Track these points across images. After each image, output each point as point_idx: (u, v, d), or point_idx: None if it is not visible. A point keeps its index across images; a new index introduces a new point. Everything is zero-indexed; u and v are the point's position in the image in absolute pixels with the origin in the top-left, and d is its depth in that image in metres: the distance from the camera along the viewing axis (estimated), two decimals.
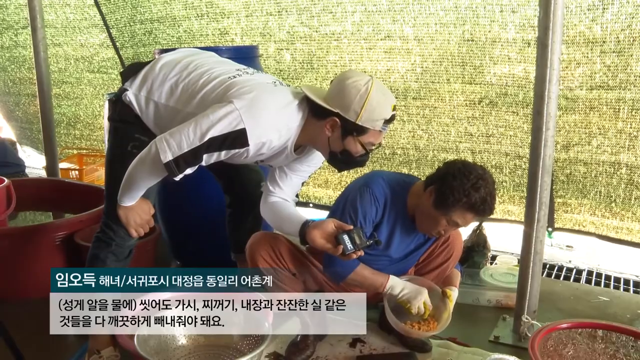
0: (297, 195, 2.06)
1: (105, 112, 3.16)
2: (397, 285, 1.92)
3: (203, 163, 1.71)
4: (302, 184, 2.04)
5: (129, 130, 1.87)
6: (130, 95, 1.85)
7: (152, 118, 1.86)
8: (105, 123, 3.18)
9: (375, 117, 1.72)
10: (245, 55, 2.72)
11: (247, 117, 1.65)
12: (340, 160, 1.83)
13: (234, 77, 1.78)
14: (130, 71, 1.91)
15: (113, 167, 1.92)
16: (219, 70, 1.83)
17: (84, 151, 4.65)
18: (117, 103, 1.90)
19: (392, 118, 1.77)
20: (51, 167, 3.69)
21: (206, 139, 1.64)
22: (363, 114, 1.70)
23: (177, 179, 1.71)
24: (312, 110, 1.77)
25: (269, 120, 1.70)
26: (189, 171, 1.71)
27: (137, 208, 1.85)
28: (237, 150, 1.69)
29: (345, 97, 1.71)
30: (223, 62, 1.92)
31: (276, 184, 1.97)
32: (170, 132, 1.68)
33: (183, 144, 1.65)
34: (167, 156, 1.65)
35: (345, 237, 1.74)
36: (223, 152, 1.70)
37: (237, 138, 1.66)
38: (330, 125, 1.75)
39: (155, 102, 1.83)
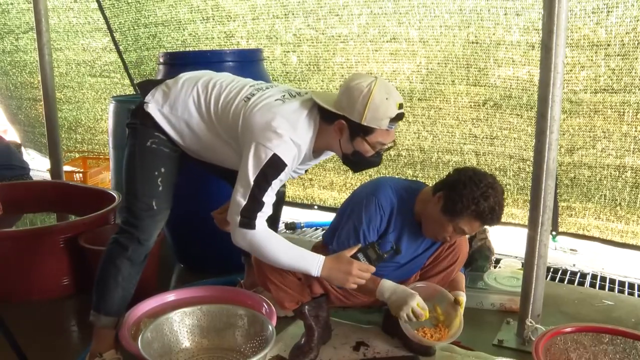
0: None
1: (109, 115, 3.18)
2: (386, 290, 1.86)
3: (267, 199, 1.73)
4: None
5: (148, 130, 1.91)
6: (151, 108, 1.90)
7: (172, 130, 1.91)
8: (109, 126, 3.21)
9: (379, 116, 1.73)
10: (249, 59, 2.70)
11: (270, 144, 1.71)
12: (353, 161, 1.86)
13: (248, 98, 1.84)
14: (149, 85, 1.97)
15: (131, 163, 1.93)
16: (234, 90, 1.88)
17: (87, 154, 4.67)
18: (138, 110, 1.94)
19: (399, 116, 1.78)
20: (55, 169, 3.70)
21: (252, 183, 1.70)
22: (367, 114, 1.72)
23: (257, 230, 1.72)
24: (323, 116, 1.81)
25: (288, 137, 1.74)
26: (262, 218, 1.73)
27: (334, 268, 1.78)
28: (282, 175, 1.74)
29: (349, 98, 1.75)
30: (238, 81, 1.96)
31: None
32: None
33: (240, 200, 1.71)
34: (236, 220, 1.72)
35: (360, 256, 1.81)
36: (273, 183, 1.73)
37: (275, 164, 1.71)
38: (339, 128, 1.79)
39: (177, 117, 1.89)
